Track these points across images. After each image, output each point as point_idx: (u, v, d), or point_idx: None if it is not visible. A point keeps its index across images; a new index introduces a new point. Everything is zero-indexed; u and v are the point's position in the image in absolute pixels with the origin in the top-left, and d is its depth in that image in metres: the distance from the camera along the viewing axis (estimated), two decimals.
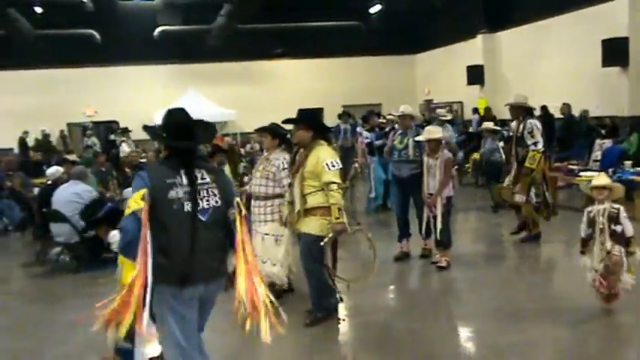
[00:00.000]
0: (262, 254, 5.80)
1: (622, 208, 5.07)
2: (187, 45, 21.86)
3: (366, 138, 10.78)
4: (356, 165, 10.29)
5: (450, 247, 7.09)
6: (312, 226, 5.13)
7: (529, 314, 5.50)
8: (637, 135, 12.13)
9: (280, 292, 5.80)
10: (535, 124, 7.67)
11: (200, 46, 21.62)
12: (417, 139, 7.05)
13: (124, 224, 3.16)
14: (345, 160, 12.94)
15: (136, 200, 3.13)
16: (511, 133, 8.33)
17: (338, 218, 4.89)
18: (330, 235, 5.00)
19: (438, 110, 11.99)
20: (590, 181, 5.76)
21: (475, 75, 19.21)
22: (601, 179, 5.27)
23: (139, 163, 11.65)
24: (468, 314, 5.60)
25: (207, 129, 3.70)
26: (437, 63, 22.81)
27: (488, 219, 10.07)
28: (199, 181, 3.29)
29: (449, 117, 11.59)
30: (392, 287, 6.75)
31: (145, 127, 3.52)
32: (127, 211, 3.14)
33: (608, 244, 4.95)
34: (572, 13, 15.39)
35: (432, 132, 6.92)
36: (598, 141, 12.31)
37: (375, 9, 22.55)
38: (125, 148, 15.92)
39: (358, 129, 14.44)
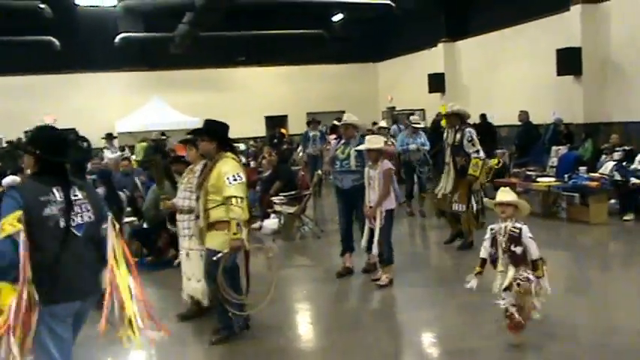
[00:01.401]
0: (187, 271, 5.72)
1: (525, 229, 4.62)
2: (150, 52, 21.69)
3: (334, 148, 10.77)
4: (319, 172, 10.32)
5: (392, 263, 6.74)
6: (214, 241, 4.98)
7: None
8: (591, 141, 12.51)
9: (204, 310, 5.69)
10: (472, 132, 7.85)
11: (163, 54, 21.44)
12: (356, 148, 6.86)
13: (0, 248, 3.01)
14: (314, 168, 13.06)
15: (11, 223, 3.02)
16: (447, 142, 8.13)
17: (235, 234, 4.76)
18: (226, 251, 4.83)
19: (412, 117, 12.03)
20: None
21: (436, 83, 19.51)
22: (505, 195, 4.78)
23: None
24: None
25: (78, 149, 3.75)
26: (399, 71, 23.09)
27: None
28: (72, 197, 3.28)
29: (422, 124, 11.57)
30: (310, 307, 6.54)
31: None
32: (2, 235, 3.00)
33: (511, 272, 4.57)
34: (528, 24, 15.79)
35: (373, 142, 6.68)
36: (554, 147, 12.63)
37: (337, 17, 22.72)
38: (108, 154, 15.75)
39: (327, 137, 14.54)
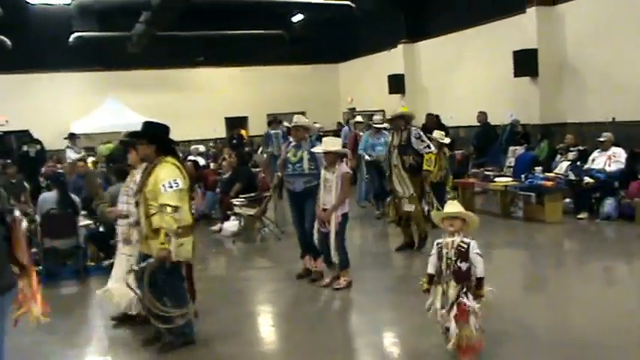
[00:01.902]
0: (125, 276, 5.46)
1: (473, 244, 4.38)
2: (106, 52, 21.23)
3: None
4: (279, 173, 10.21)
5: (348, 266, 6.70)
6: (156, 249, 4.78)
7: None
8: (547, 142, 12.75)
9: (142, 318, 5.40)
10: (418, 129, 8.04)
11: (120, 53, 21.03)
12: (313, 150, 6.79)
13: None
14: (275, 169, 12.93)
15: None
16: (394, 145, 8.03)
17: (163, 244, 4.61)
18: (151, 260, 4.69)
19: (375, 117, 12.00)
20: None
21: (396, 84, 19.62)
22: (453, 208, 4.55)
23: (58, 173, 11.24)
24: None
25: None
26: (360, 72, 23.16)
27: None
28: None
29: (385, 125, 11.48)
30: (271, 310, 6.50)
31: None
32: None
33: (452, 292, 4.34)
34: (485, 25, 16.01)
35: (330, 143, 6.60)
36: (511, 148, 12.83)
37: (297, 18, 22.68)
38: (70, 155, 15.37)
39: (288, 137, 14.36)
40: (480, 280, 4.35)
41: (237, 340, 5.39)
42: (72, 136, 16.90)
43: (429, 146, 7.87)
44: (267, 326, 6.01)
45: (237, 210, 10.21)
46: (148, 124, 5.14)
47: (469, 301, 4.28)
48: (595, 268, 7.48)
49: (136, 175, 5.40)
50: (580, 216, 9.68)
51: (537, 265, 7.80)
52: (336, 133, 16.73)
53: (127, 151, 6.08)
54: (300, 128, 6.99)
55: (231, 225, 10.31)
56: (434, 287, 4.46)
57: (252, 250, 9.52)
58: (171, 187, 4.69)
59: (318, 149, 6.70)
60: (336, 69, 25.15)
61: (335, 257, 6.62)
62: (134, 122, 19.68)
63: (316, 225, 6.76)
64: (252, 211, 9.72)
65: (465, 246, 4.35)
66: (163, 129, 5.11)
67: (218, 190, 11.44)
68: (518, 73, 13.98)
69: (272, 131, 14.69)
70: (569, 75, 13.53)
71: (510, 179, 10.78)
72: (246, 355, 5.08)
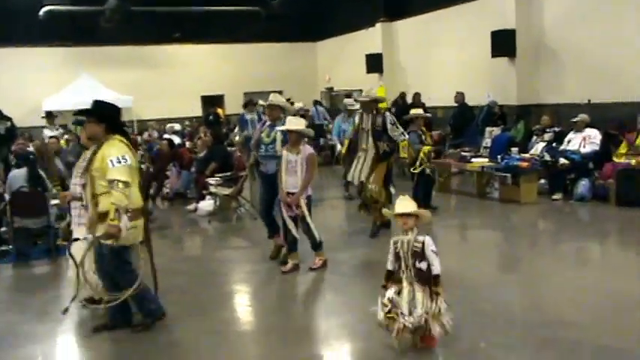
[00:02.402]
0: (79, 260, 5.32)
1: (428, 240, 4.25)
2: (79, 27, 20.75)
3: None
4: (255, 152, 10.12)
5: (322, 246, 6.63)
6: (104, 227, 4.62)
7: None
8: (523, 123, 12.81)
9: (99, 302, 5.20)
10: (392, 115, 7.97)
11: (93, 29, 20.59)
12: (277, 129, 6.60)
13: None
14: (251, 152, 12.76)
15: None
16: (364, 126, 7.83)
17: (113, 220, 4.46)
18: (98, 234, 4.56)
19: (346, 100, 11.85)
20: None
21: (374, 63, 19.51)
22: (405, 205, 4.33)
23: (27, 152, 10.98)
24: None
25: None
26: (337, 51, 23.00)
27: None
28: None
29: (357, 106, 11.32)
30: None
31: None
32: None
33: (419, 295, 4.18)
34: (464, 5, 15.92)
35: (294, 123, 6.35)
36: (488, 128, 12.87)
37: None
38: (47, 133, 15.08)
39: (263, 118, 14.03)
40: (436, 277, 4.20)
41: (214, 319, 5.35)
42: (49, 115, 16.54)
43: (403, 134, 7.82)
44: (243, 306, 5.97)
45: (212, 189, 10.11)
46: (97, 103, 4.99)
47: (437, 304, 4.17)
48: (569, 248, 7.55)
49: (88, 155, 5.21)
50: (555, 197, 9.76)
51: (512, 246, 7.86)
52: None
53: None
54: (276, 107, 6.79)
55: (207, 204, 10.21)
56: (396, 288, 4.29)
57: (227, 229, 9.44)
58: (119, 162, 4.59)
59: (280, 127, 6.50)
60: (313, 47, 24.95)
61: (308, 238, 6.53)
62: (110, 99, 19.31)
63: (283, 210, 6.51)
64: (227, 191, 9.62)
65: (420, 245, 4.23)
66: (113, 108, 5.02)
67: (193, 169, 11.31)
68: (495, 53, 13.97)
69: (247, 116, 14.35)
70: (547, 56, 13.56)
71: (487, 160, 10.82)
72: (223, 334, 5.05)
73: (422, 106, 13.88)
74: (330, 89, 23.34)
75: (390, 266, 4.37)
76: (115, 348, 4.80)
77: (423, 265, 4.20)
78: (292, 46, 24.31)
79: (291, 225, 6.49)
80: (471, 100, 14.38)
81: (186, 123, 20.02)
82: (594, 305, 5.24)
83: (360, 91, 20.81)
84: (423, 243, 4.22)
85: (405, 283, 4.26)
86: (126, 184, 4.54)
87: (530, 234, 8.57)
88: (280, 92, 17.42)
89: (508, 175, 9.93)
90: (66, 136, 14.79)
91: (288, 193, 6.38)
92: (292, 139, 6.30)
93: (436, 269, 4.20)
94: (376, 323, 4.32)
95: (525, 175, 9.74)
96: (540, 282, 6.19)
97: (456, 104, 14.50)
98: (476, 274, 6.37)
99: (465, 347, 4.46)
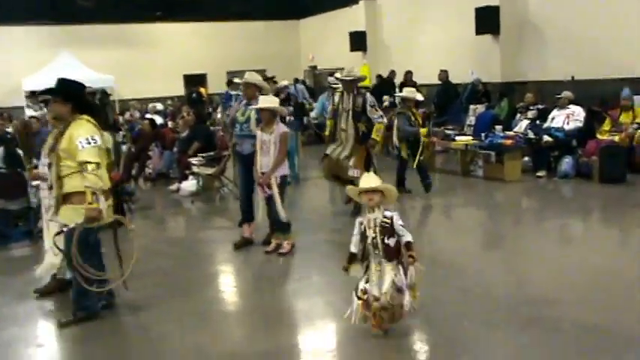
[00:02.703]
0: (48, 243, 5.27)
1: (396, 216, 4.19)
2: (58, 5, 20.36)
3: None
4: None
5: (290, 230, 6.46)
6: (69, 215, 4.57)
7: None
8: (507, 100, 12.80)
9: (64, 284, 5.24)
10: (372, 97, 7.81)
11: (72, 7, 20.20)
12: (249, 107, 6.44)
13: None
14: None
15: None
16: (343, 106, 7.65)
17: (91, 203, 4.38)
18: (79, 221, 4.46)
19: (330, 78, 11.68)
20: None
21: (358, 41, 19.37)
22: (370, 180, 4.23)
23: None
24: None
25: None
26: (321, 29, 22.81)
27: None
28: None
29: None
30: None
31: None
32: None
33: (388, 277, 4.08)
34: None
35: (266, 101, 6.19)
36: (472, 106, 12.84)
37: None
38: (29, 113, 14.93)
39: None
40: (408, 243, 4.14)
41: (197, 300, 5.31)
42: (32, 94, 16.27)
43: (382, 116, 7.70)
44: (227, 286, 5.93)
45: (195, 169, 10.02)
46: (62, 81, 4.83)
47: (404, 279, 4.11)
48: (553, 225, 7.57)
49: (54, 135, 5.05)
50: (538, 174, 9.78)
51: (496, 223, 7.87)
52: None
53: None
54: (251, 85, 6.60)
55: (190, 184, 10.12)
56: (362, 269, 4.22)
57: (210, 210, 9.38)
58: (89, 143, 4.48)
59: (253, 106, 6.35)
60: (297, 25, 24.72)
61: (276, 219, 6.32)
62: (91, 79, 19.04)
63: (259, 191, 6.40)
64: (210, 171, 9.54)
65: (389, 220, 4.14)
66: (79, 87, 4.87)
67: (176, 149, 11.19)
68: (480, 30, 13.91)
69: (232, 92, 14.11)
70: (531, 33, 13.52)
71: (470, 138, 10.81)
72: (207, 314, 5.01)
73: (414, 85, 13.83)
74: (314, 67, 23.18)
75: (353, 248, 4.24)
76: (96, 328, 4.74)
77: (392, 242, 4.12)
78: (275, 24, 24.08)
79: (264, 206, 6.37)
80: (455, 78, 14.33)
81: (169, 102, 19.81)
82: (578, 282, 5.25)
83: (344, 69, 20.72)
84: (392, 218, 4.15)
85: (373, 264, 4.16)
86: (97, 165, 4.45)
87: (514, 212, 8.60)
88: (263, 71, 17.37)
89: (492, 152, 9.93)
90: (47, 117, 14.59)
91: (262, 173, 6.24)
92: (265, 117, 6.17)
93: (408, 237, 4.14)
94: (355, 322, 4.19)
95: (509, 153, 9.74)
96: (524, 260, 6.20)
97: (439, 82, 14.45)
98: (460, 253, 6.38)
99: (449, 326, 4.45)
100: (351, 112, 7.55)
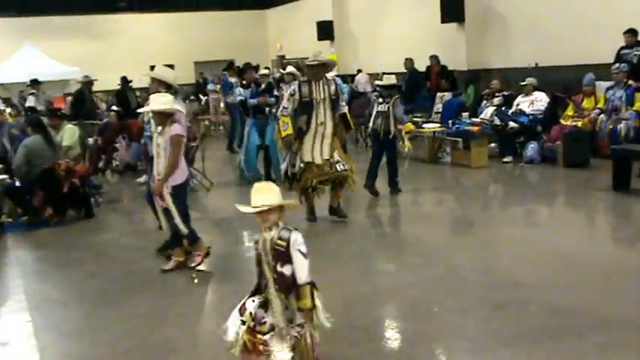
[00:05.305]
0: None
1: (295, 238, 3.19)
2: None
3: (239, 95, 9.52)
4: (206, 122, 9.89)
5: (198, 239, 5.74)
6: None
7: None
8: (473, 88, 12.94)
9: None
10: (340, 81, 7.31)
11: None
12: (140, 110, 5.94)
13: None
14: (235, 119, 12.08)
15: None
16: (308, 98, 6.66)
17: None
18: None
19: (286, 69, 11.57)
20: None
21: (325, 30, 19.35)
22: (261, 197, 3.19)
23: None
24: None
25: None
26: (288, 18, 22.72)
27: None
28: None
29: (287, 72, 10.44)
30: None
31: None
32: None
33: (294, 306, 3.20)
34: None
35: (157, 102, 5.36)
36: (439, 94, 12.95)
37: None
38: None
39: (210, 85, 13.53)
40: (301, 287, 3.17)
41: (162, 292, 5.28)
42: (34, 82, 15.83)
43: (345, 105, 7.19)
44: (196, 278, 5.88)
45: None
46: None
47: (300, 335, 3.19)
48: (520, 210, 7.70)
49: None
50: (505, 160, 9.93)
51: (464, 209, 7.97)
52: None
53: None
54: (155, 81, 6.01)
55: None
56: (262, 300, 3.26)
57: None
58: None
59: (143, 109, 5.88)
60: (264, 15, 24.57)
61: (184, 229, 5.50)
62: (56, 71, 18.77)
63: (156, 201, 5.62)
64: None
65: (284, 243, 3.17)
66: None
67: (143, 140, 11.03)
68: (445, 19, 14.00)
69: (232, 79, 13.62)
70: (495, 20, 13.66)
71: (438, 125, 10.90)
72: (176, 308, 4.95)
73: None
74: (282, 57, 23.06)
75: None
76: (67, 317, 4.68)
77: (287, 270, 3.18)
78: (242, 13, 23.91)
79: (163, 217, 5.59)
80: (421, 66, 14.42)
81: (137, 94, 19.54)
82: (545, 265, 5.34)
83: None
84: (288, 241, 3.18)
85: (272, 296, 3.22)
86: None
87: (482, 197, 8.72)
88: (232, 61, 17.23)
89: (459, 139, 10.05)
90: (8, 110, 14.28)
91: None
92: (157, 120, 5.45)
93: (302, 276, 3.17)
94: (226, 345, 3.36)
95: (476, 140, 9.86)
96: (492, 244, 6.30)
97: (405, 70, 14.52)
98: (429, 239, 6.45)
99: (419, 312, 4.51)
100: (327, 102, 6.69)
